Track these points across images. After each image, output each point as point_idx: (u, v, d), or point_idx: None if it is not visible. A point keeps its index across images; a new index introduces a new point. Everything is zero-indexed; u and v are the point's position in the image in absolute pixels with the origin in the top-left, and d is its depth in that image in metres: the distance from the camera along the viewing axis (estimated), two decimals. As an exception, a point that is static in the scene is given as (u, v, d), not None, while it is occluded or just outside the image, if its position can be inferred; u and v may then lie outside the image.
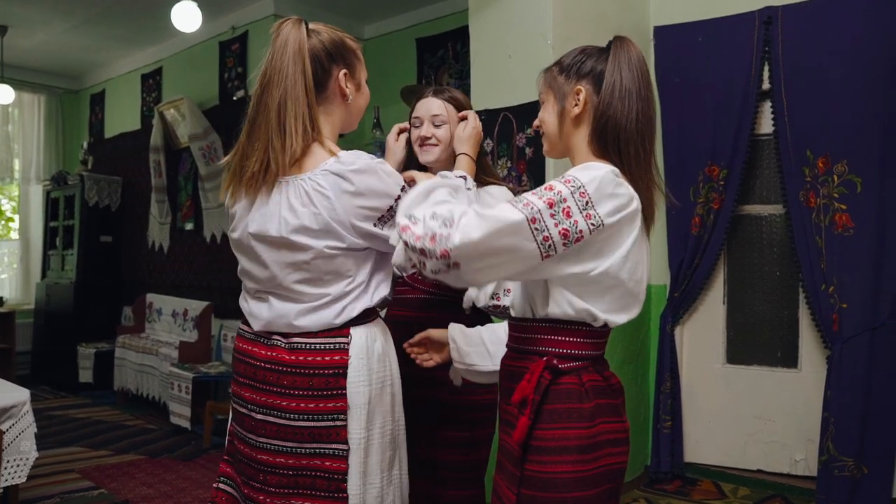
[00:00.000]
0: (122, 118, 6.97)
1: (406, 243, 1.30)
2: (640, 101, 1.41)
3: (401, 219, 1.32)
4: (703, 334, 3.83)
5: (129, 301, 6.50)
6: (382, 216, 1.52)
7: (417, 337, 1.81)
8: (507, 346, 1.53)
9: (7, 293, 7.25)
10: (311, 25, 1.56)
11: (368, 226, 1.50)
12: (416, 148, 2.06)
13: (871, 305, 3.17)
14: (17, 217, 7.55)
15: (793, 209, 3.40)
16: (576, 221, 1.27)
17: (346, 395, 1.51)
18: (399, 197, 1.51)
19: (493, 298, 1.83)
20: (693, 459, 3.82)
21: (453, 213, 1.27)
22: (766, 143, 3.64)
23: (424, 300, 2.04)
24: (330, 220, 1.47)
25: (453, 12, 4.97)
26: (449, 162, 2.02)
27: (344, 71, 1.56)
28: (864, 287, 3.18)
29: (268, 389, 1.54)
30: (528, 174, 3.19)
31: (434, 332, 1.80)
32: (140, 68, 6.69)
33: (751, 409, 3.70)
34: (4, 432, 2.71)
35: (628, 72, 1.42)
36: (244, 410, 1.59)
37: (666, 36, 3.80)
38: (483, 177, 2.09)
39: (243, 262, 1.61)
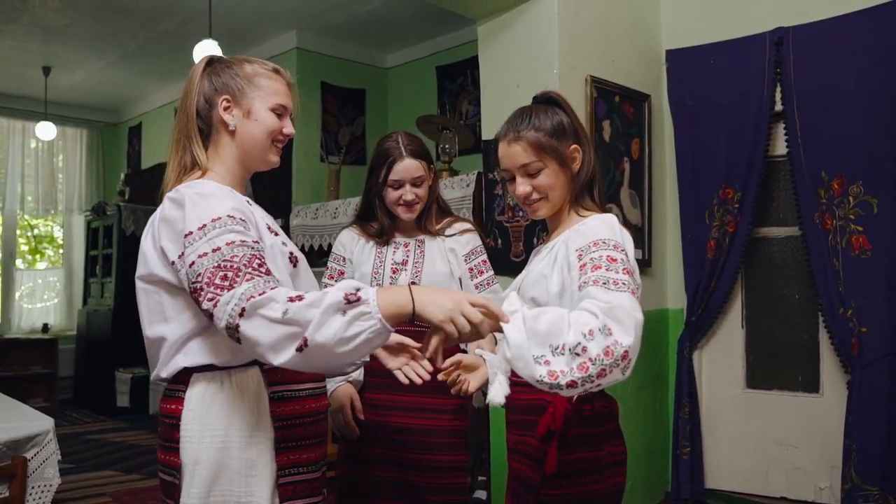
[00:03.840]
0: (158, 150, 7.21)
1: (575, 382, 1.21)
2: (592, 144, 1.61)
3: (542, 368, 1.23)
4: (721, 358, 3.78)
5: (165, 327, 6.66)
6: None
7: (448, 361, 1.76)
8: (515, 379, 1.54)
9: (52, 320, 7.52)
10: (228, 57, 1.54)
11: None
12: (396, 208, 2.13)
13: (891, 329, 3.09)
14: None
15: (808, 231, 3.35)
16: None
17: (178, 448, 1.37)
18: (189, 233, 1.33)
19: None
20: (714, 486, 3.76)
21: (593, 324, 1.25)
22: (781, 165, 3.60)
23: (408, 332, 2.02)
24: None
25: (471, 40, 5.02)
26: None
27: (224, 97, 1.47)
28: (883, 310, 3.11)
29: None
30: (536, 202, 3.21)
31: (466, 358, 1.82)
32: (174, 101, 6.91)
33: (772, 435, 3.63)
34: (29, 460, 2.82)
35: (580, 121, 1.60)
36: None
37: (678, 59, 3.80)
38: (445, 217, 2.21)
39: None
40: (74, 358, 7.19)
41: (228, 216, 1.33)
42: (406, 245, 2.18)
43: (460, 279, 2.18)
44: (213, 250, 1.29)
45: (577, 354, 1.21)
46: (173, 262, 1.36)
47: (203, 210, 1.33)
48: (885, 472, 3.07)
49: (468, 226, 2.25)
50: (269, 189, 5.28)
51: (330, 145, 5.38)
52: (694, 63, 3.73)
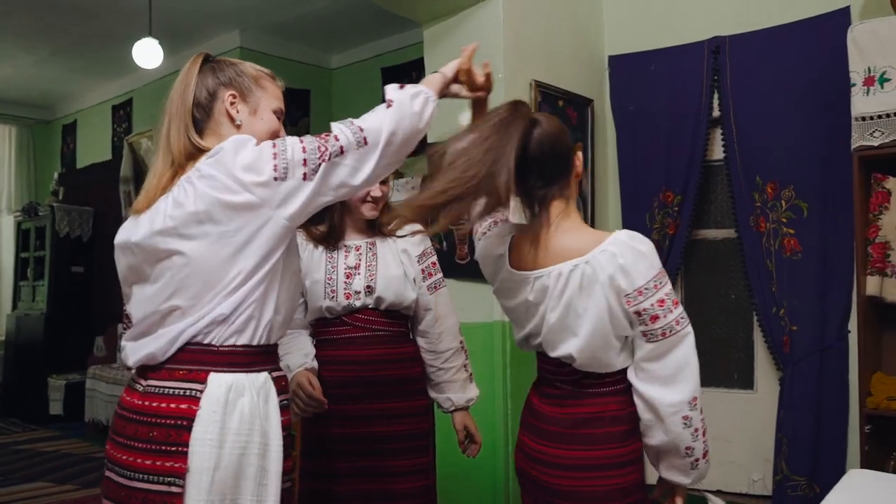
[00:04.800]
0: (93, 149, 6.99)
1: None
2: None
3: None
4: (662, 357, 3.88)
5: (101, 331, 6.47)
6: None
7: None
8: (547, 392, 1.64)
9: (-23, 325, 7.21)
10: (221, 59, 1.55)
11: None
12: (361, 206, 2.11)
13: (820, 328, 3.24)
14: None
15: (744, 234, 3.47)
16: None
17: (185, 452, 1.30)
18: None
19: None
20: (654, 481, 3.84)
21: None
22: (719, 169, 3.72)
23: (369, 337, 2.08)
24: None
25: (417, 42, 5.02)
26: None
27: (231, 92, 1.48)
28: (813, 310, 3.25)
29: (112, 439, 1.41)
30: (483, 204, 3.24)
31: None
32: (111, 99, 6.73)
33: (709, 431, 3.70)
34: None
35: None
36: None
37: (620, 65, 3.89)
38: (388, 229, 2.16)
39: None
40: (2, 365, 6.91)
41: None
42: (357, 248, 2.13)
43: (414, 279, 2.17)
44: (300, 138, 1.42)
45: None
46: (275, 178, 1.36)
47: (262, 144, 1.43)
48: (813, 463, 3.21)
49: (418, 226, 2.22)
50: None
51: (274, 146, 5.31)
52: (635, 69, 3.83)
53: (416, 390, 2.14)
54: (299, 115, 5.57)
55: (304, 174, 1.37)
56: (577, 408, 1.57)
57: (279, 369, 1.49)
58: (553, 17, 3.55)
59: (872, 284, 2.82)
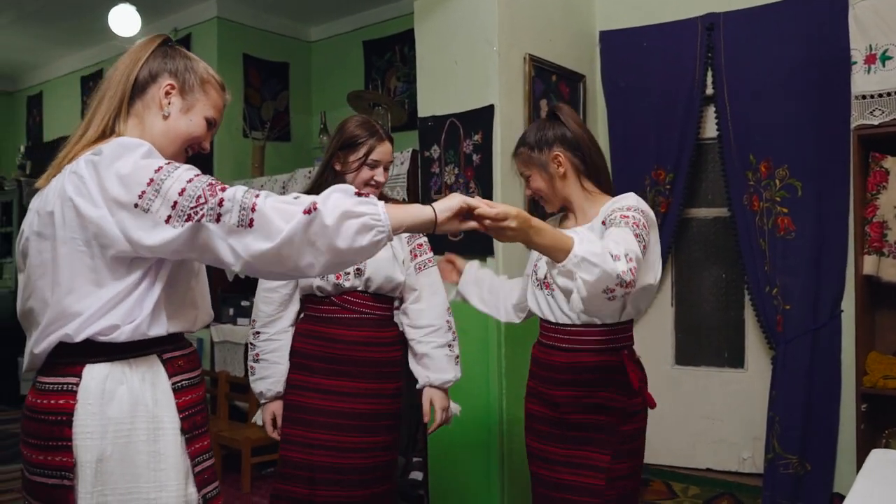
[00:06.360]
0: (61, 121, 6.74)
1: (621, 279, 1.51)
2: (594, 142, 1.97)
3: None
4: (652, 336, 3.87)
5: (72, 310, 6.30)
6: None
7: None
8: (588, 347, 1.92)
9: (-58, 304, 6.97)
10: (178, 48, 1.50)
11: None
12: (363, 187, 2.18)
13: (812, 307, 3.24)
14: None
15: (737, 212, 3.46)
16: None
17: (70, 447, 1.28)
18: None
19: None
20: (645, 461, 3.85)
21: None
22: (711, 147, 3.69)
23: (356, 319, 2.18)
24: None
25: (400, 15, 4.92)
26: None
27: (170, 83, 1.43)
28: (806, 289, 3.25)
29: (20, 437, 1.40)
30: (476, 181, 3.17)
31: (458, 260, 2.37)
32: (80, 70, 6.47)
33: (699, 410, 3.76)
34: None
35: (580, 125, 1.95)
36: None
37: (611, 41, 3.83)
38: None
39: None
40: (-31, 344, 6.70)
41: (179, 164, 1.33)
42: None
43: (403, 261, 2.26)
44: (196, 176, 1.28)
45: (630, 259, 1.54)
46: (136, 205, 1.25)
47: (155, 157, 1.31)
48: (804, 441, 3.23)
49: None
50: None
51: (254, 120, 5.16)
52: (627, 45, 3.77)
53: (394, 373, 2.25)
54: (279, 89, 5.42)
55: (168, 217, 1.24)
56: None
57: (178, 349, 1.43)
58: (547, -10, 3.47)
59: (870, 264, 2.83)
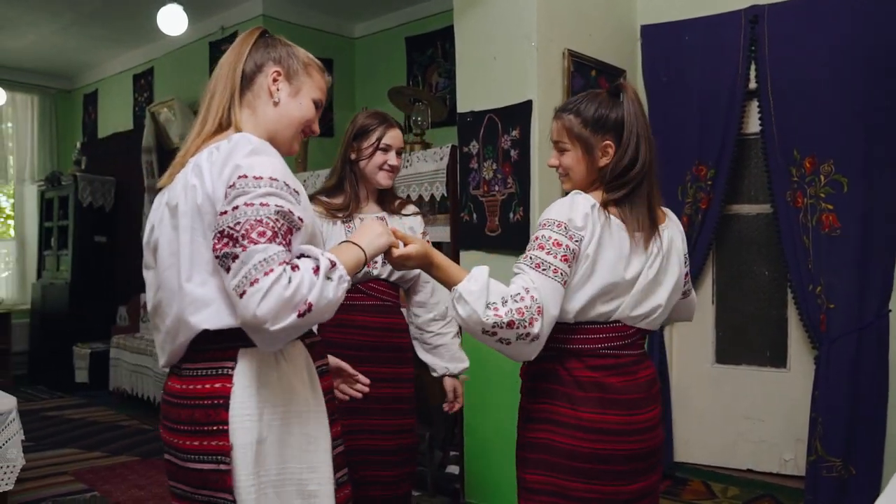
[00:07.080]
0: (114, 118, 6.97)
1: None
2: (648, 143, 1.65)
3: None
4: (692, 334, 3.83)
5: (124, 301, 6.51)
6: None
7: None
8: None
9: (4, 294, 7.27)
10: (277, 37, 1.54)
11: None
12: (379, 173, 2.27)
13: (858, 306, 3.16)
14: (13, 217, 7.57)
15: (780, 209, 3.39)
16: (567, 246, 1.55)
17: (227, 431, 1.30)
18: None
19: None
20: (683, 459, 3.83)
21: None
22: (754, 143, 3.63)
23: (378, 306, 2.28)
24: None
25: (441, 11, 4.95)
26: None
27: (276, 70, 1.47)
28: (851, 287, 3.17)
29: (163, 423, 1.42)
30: (514, 176, 3.18)
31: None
32: (132, 68, 6.68)
33: (740, 409, 3.70)
34: (-9, 441, 2.72)
35: (641, 118, 1.65)
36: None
37: (653, 35, 3.78)
38: (395, 201, 2.38)
39: None
40: (29, 333, 6.98)
41: (285, 182, 1.31)
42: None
43: None
44: (262, 204, 1.25)
45: (517, 301, 1.48)
46: (223, 213, 1.26)
47: (265, 164, 1.30)
48: (848, 444, 3.16)
49: (416, 207, 2.46)
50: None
51: (297, 116, 5.25)
52: (669, 39, 3.72)
53: (408, 358, 2.36)
54: (322, 85, 5.50)
55: (228, 268, 1.23)
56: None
57: (313, 335, 1.48)
58: (586, -16, 3.45)
59: (918, 263, 2.74)
